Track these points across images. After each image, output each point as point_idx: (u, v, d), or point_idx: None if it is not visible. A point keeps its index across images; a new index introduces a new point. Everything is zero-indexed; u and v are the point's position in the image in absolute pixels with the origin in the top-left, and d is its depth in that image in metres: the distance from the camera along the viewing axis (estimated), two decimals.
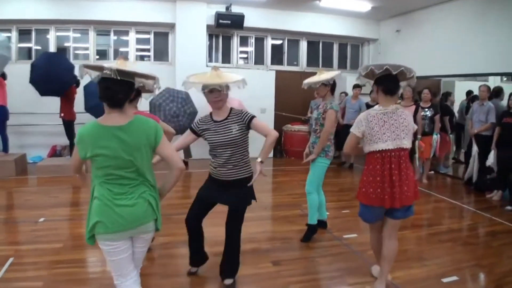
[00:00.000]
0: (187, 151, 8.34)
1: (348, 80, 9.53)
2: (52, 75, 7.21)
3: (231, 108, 3.14)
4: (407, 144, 2.89)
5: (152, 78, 2.42)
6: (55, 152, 8.90)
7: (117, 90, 2.17)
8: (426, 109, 6.94)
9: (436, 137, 7.02)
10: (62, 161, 7.78)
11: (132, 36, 9.19)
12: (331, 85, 4.15)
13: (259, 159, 3.05)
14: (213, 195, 3.21)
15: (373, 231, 3.22)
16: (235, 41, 9.73)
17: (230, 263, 3.28)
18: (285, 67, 10.10)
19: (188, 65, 8.48)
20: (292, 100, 9.59)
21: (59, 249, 4.11)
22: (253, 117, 3.08)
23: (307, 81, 4.27)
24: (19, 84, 7.60)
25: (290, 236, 4.44)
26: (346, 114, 8.44)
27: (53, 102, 7.88)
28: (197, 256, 3.47)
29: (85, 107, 7.68)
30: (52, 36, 8.88)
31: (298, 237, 4.37)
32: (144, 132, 2.22)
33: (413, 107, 6.75)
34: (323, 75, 4.15)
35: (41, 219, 5.14)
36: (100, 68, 2.16)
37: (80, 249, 4.17)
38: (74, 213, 5.43)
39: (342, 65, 10.52)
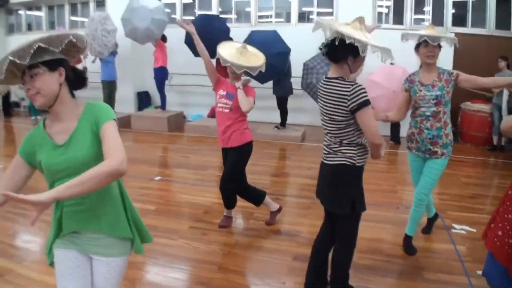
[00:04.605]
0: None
1: None
2: (206, 36, 7.18)
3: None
4: None
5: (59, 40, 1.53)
6: (214, 113, 9.16)
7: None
8: None
9: None
10: (210, 122, 7.83)
11: None
12: None
13: None
14: None
15: None
16: None
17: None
18: (468, 29, 7.97)
19: None
20: (474, 71, 7.47)
21: (145, 211, 3.97)
22: None
23: (427, 33, 2.87)
24: (183, 45, 7.78)
25: (402, 253, 3.22)
26: None
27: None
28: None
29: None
30: (215, 1, 8.99)
31: (413, 257, 3.15)
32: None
33: None
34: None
35: (157, 178, 5.17)
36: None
37: (164, 215, 3.98)
38: (192, 176, 5.25)
39: None
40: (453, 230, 3.61)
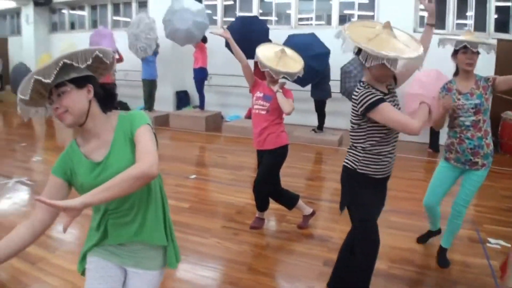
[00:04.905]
0: None
1: None
2: (245, 38, 7.25)
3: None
4: None
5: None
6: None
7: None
8: None
9: None
10: (247, 123, 7.88)
11: (336, 0, 8.44)
12: None
13: None
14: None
15: None
16: (451, 2, 7.85)
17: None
18: (511, 36, 7.61)
19: None
20: None
21: (180, 209, 4.10)
22: None
23: (467, 38, 2.76)
24: (222, 46, 7.83)
25: (434, 265, 3.13)
26: None
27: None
28: None
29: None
30: (255, 3, 9.09)
31: (446, 270, 3.06)
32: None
33: None
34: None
35: (193, 176, 5.29)
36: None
37: (198, 213, 4.08)
38: (228, 176, 5.35)
39: None
40: (488, 244, 3.49)
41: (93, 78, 1.55)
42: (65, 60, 1.38)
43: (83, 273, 1.67)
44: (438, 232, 3.42)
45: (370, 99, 2.16)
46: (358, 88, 2.26)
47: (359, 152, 2.34)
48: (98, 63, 1.53)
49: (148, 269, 1.66)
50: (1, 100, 12.54)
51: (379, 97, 2.15)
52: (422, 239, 3.48)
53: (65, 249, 3.31)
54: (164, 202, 1.68)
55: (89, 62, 1.45)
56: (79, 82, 1.47)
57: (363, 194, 2.38)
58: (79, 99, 1.46)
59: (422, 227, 3.72)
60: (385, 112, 2.15)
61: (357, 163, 2.35)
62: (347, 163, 2.41)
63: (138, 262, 1.65)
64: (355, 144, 2.36)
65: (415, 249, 3.40)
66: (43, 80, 1.35)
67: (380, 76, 2.23)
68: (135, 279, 1.65)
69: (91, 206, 1.36)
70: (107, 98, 1.60)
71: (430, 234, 3.45)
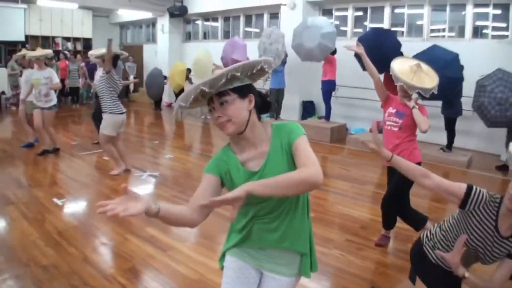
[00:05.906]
0: None
1: None
2: (376, 50, 7.12)
3: None
4: None
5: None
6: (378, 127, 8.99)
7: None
8: None
9: None
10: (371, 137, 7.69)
11: (469, 11, 7.78)
12: None
13: None
14: None
15: None
16: None
17: None
18: None
19: None
20: None
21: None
22: None
23: None
24: (351, 58, 7.68)
25: None
26: None
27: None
28: None
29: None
30: (387, 14, 8.85)
31: None
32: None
33: None
34: None
35: None
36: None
37: (321, 223, 4.14)
38: (350, 189, 5.33)
39: None
40: None
41: (253, 87, 1.53)
42: (234, 73, 1.39)
43: (222, 268, 1.73)
44: None
45: (478, 195, 1.84)
46: (491, 199, 1.84)
47: (437, 229, 2.11)
48: (259, 71, 1.51)
49: (284, 275, 1.66)
50: (134, 100, 14.07)
51: (489, 217, 1.82)
52: None
53: (195, 241, 3.64)
54: (309, 211, 1.68)
55: (253, 72, 1.47)
56: (242, 92, 1.46)
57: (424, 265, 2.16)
58: (241, 109, 1.46)
59: None
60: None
61: (427, 239, 2.13)
62: (423, 233, 2.21)
63: (275, 267, 1.65)
64: (445, 219, 2.10)
65: None
66: (207, 90, 1.38)
67: None
68: (271, 283, 1.66)
69: (253, 195, 1.33)
70: (264, 107, 1.60)
71: None
